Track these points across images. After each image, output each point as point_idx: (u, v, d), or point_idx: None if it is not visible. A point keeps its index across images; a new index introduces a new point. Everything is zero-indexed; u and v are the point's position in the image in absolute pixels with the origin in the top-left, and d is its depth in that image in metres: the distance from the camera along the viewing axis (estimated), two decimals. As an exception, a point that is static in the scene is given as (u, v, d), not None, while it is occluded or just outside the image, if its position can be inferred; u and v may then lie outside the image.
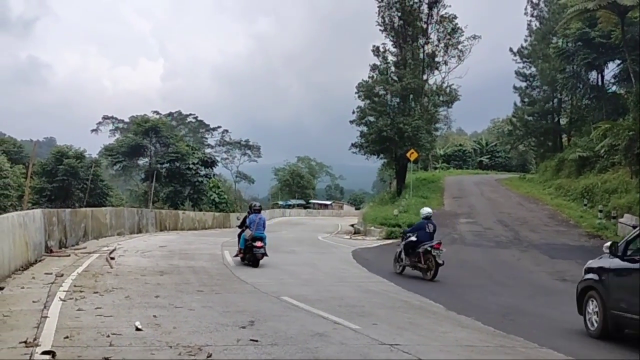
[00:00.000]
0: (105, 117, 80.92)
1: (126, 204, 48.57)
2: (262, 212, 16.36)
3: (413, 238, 13.76)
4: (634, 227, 18.35)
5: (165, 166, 45.31)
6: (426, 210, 14.63)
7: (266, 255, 14.93)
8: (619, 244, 7.72)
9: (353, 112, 39.00)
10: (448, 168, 64.73)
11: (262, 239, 14.91)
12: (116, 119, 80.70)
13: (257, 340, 6.36)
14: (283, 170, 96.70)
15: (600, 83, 38.63)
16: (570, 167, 34.78)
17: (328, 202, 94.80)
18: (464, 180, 45.87)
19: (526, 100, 48.25)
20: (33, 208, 27.69)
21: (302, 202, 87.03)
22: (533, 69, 47.07)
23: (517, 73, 48.53)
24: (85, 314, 7.54)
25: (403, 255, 14.07)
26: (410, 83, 36.78)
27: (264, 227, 15.21)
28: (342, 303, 9.50)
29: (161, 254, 16.31)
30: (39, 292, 9.20)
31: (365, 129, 38.58)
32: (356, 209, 77.33)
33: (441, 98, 40.98)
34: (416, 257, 13.63)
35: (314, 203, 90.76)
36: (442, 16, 40.00)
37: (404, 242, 14.22)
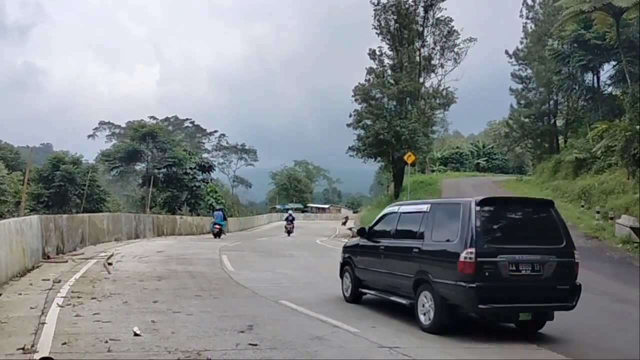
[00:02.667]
0: (101, 123, 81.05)
1: (123, 210, 48.47)
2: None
3: (284, 222, 36.03)
4: (632, 227, 18.38)
5: (163, 171, 45.20)
6: (290, 211, 38.93)
7: (223, 233, 29.65)
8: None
9: (350, 116, 39.17)
10: (445, 171, 64.73)
11: (220, 224, 29.18)
12: (113, 124, 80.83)
13: (256, 345, 6.35)
14: (280, 174, 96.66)
15: (596, 84, 38.71)
16: (567, 168, 34.82)
17: (326, 206, 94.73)
18: (461, 182, 45.83)
19: (522, 102, 48.29)
20: (30, 214, 27.60)
21: (299, 206, 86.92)
22: (529, 71, 47.13)
23: (513, 75, 48.59)
24: (83, 320, 7.51)
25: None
26: (406, 86, 36.88)
27: (223, 218, 29.96)
28: (341, 306, 9.49)
29: (159, 259, 16.27)
30: (37, 298, 9.17)
31: (362, 132, 38.68)
32: (354, 212, 77.25)
33: (438, 101, 41.11)
34: (285, 229, 34.39)
35: (311, 207, 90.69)
36: (438, 19, 40.16)
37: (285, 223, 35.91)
